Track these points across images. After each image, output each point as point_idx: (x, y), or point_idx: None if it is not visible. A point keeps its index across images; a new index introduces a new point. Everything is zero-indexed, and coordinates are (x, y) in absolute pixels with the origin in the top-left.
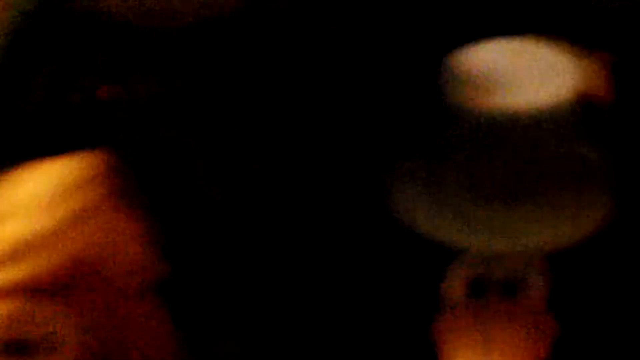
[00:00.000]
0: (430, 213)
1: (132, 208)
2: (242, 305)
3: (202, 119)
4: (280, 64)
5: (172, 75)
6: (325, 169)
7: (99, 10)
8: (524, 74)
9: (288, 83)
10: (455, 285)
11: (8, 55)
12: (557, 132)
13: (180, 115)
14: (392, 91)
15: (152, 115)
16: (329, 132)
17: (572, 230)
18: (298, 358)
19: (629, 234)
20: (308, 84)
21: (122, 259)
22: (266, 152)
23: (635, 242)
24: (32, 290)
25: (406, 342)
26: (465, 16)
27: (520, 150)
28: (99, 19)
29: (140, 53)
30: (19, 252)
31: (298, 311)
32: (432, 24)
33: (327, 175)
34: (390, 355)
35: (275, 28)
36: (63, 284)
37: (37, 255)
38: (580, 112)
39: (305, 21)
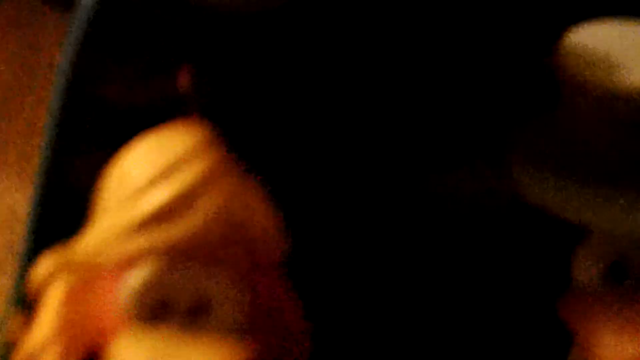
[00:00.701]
0: (557, 189)
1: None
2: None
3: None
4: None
5: (256, 61)
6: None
7: None
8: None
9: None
10: (589, 268)
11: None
12: None
13: (268, 100)
14: (502, 67)
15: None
16: (435, 107)
17: None
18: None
19: None
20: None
21: (261, 223)
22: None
23: None
24: (179, 253)
25: (532, 324)
26: None
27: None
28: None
29: (223, 38)
30: (161, 216)
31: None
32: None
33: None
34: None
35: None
36: (209, 247)
37: (179, 218)
38: None
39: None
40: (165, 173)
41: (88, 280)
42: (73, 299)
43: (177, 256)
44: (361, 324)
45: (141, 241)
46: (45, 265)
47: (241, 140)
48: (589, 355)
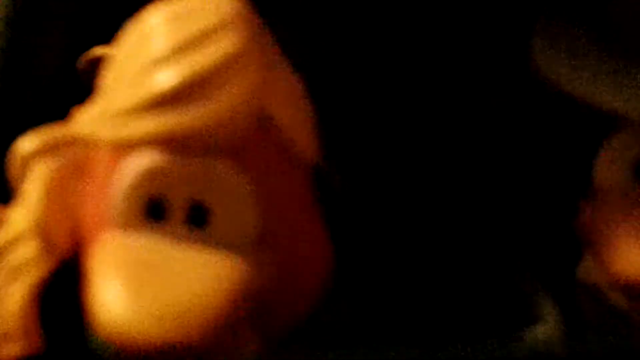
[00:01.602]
0: (585, 72)
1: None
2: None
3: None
4: None
5: None
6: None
7: None
8: None
9: None
10: (615, 164)
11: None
12: None
13: None
14: None
15: None
16: None
17: None
18: None
19: None
20: None
21: (293, 120)
22: None
23: None
24: (186, 143)
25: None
26: None
27: None
28: None
29: None
30: (174, 97)
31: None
32: None
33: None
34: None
35: None
36: (222, 140)
37: (195, 102)
38: None
39: None
40: (187, 46)
41: (78, 164)
42: (59, 185)
43: (183, 146)
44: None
45: (144, 124)
46: (29, 143)
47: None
48: (604, 267)
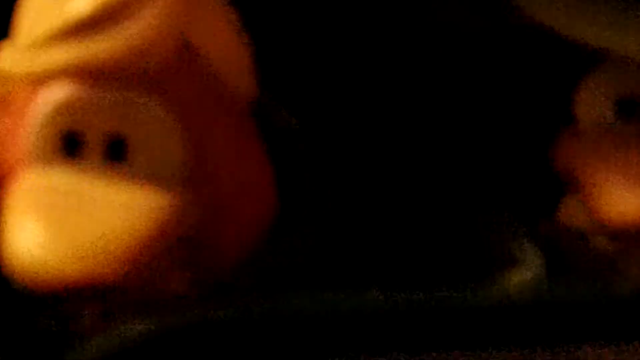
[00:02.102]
0: (564, 7)
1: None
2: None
3: None
4: None
5: None
6: None
7: None
8: None
9: None
10: (598, 99)
11: None
12: None
13: None
14: None
15: None
16: None
17: None
18: None
19: None
20: None
21: (226, 47)
22: None
23: None
24: (101, 73)
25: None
26: None
27: None
28: None
29: None
30: (86, 25)
31: None
32: None
33: None
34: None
35: None
36: (141, 69)
37: (109, 29)
38: None
39: None
40: None
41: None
42: None
43: (98, 77)
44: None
45: (57, 55)
46: None
47: None
48: (586, 205)
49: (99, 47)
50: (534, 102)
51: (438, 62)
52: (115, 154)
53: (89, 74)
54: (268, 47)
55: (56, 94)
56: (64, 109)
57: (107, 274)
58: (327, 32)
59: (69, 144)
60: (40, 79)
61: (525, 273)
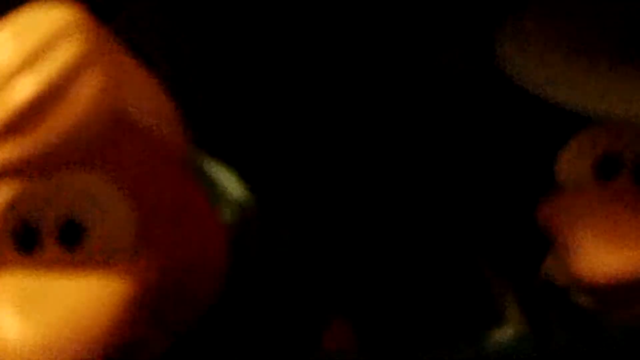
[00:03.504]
0: (553, 71)
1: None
2: None
3: None
4: None
5: None
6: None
7: None
8: None
9: None
10: (578, 161)
11: None
12: None
13: None
14: None
15: None
16: None
17: None
18: None
19: None
20: None
21: (153, 104)
22: None
23: None
24: (42, 163)
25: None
26: None
27: None
28: None
29: None
30: (19, 118)
31: None
32: None
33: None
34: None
35: None
36: (82, 150)
37: (43, 117)
38: None
39: None
40: (26, 61)
41: None
42: None
43: (40, 166)
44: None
45: None
46: None
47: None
48: (567, 263)
49: (36, 138)
50: (522, 162)
51: (431, 117)
52: (71, 237)
53: (31, 165)
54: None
55: (6, 191)
56: (10, 206)
57: (86, 354)
58: (335, 80)
59: (23, 238)
60: None
61: (507, 331)
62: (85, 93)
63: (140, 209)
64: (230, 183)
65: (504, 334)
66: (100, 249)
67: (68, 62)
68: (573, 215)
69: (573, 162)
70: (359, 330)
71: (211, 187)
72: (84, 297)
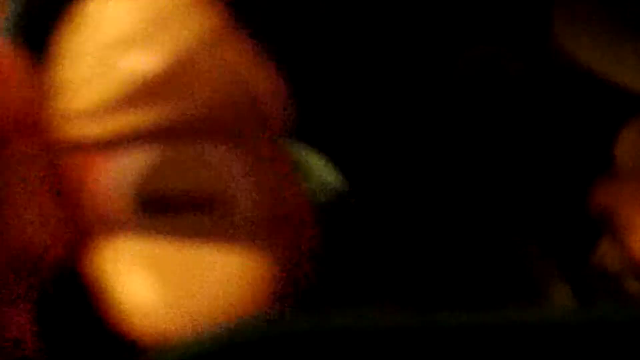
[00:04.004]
0: (609, 53)
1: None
2: None
3: None
4: None
5: None
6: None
7: None
8: None
9: None
10: (636, 145)
11: None
12: None
13: None
14: None
15: None
16: None
17: None
18: None
19: None
20: None
21: (271, 87)
22: None
23: None
24: (179, 133)
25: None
26: None
27: None
28: None
29: None
30: (154, 85)
31: None
32: None
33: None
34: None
35: None
36: (218, 124)
37: (177, 88)
38: None
39: None
40: (156, 27)
41: (51, 173)
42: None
43: (177, 137)
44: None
45: (131, 118)
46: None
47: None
48: (623, 246)
49: (174, 105)
50: (576, 145)
51: (489, 102)
52: (203, 208)
53: (166, 134)
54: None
55: (137, 159)
56: (148, 174)
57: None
58: (367, 87)
59: (156, 205)
60: (110, 145)
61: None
62: (221, 66)
63: (260, 181)
64: (321, 166)
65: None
66: (233, 227)
67: (203, 35)
68: (632, 200)
69: (632, 146)
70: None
71: (303, 169)
72: (224, 270)
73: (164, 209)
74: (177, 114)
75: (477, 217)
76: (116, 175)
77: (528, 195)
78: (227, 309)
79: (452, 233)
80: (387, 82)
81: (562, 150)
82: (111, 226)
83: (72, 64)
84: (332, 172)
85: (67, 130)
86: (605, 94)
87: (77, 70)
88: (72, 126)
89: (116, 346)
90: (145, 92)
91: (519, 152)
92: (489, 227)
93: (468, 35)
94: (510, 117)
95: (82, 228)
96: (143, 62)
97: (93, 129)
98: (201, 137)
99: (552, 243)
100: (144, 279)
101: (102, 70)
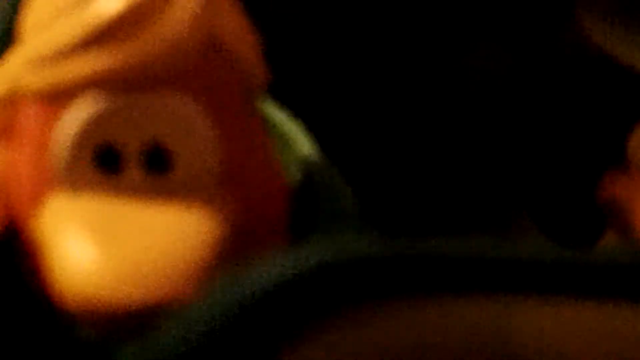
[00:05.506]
0: (629, 36)
1: None
2: None
3: None
4: None
5: None
6: None
7: None
8: None
9: None
10: None
11: None
12: None
13: None
14: None
15: None
16: None
17: None
18: None
19: None
20: None
21: (244, 37)
22: None
23: None
24: (132, 80)
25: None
26: None
27: None
28: None
29: None
30: (112, 29)
31: None
32: None
33: None
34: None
35: None
36: (175, 71)
37: (136, 32)
38: None
39: None
40: None
41: (7, 119)
42: None
43: (129, 83)
44: None
45: (81, 65)
46: None
47: None
48: (630, 241)
49: (127, 52)
50: (590, 134)
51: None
52: (156, 163)
53: (119, 82)
54: None
55: (84, 107)
56: (96, 123)
57: (167, 294)
58: (363, 79)
59: (105, 159)
60: (61, 93)
61: None
62: (180, 13)
63: (224, 138)
64: (298, 136)
65: None
66: (186, 178)
67: None
68: (633, 197)
69: None
70: None
71: (277, 137)
72: (168, 230)
73: (115, 162)
74: (135, 59)
75: (477, 213)
76: (62, 125)
77: (534, 187)
78: (175, 271)
79: (449, 215)
80: (383, 73)
81: (574, 144)
82: (53, 183)
83: (34, 15)
84: (309, 144)
85: (22, 80)
86: (622, 86)
87: (37, 20)
88: (28, 75)
89: (52, 326)
90: (102, 36)
91: (527, 146)
92: (491, 217)
93: (468, 35)
94: (520, 108)
95: (23, 187)
96: (101, 4)
97: (47, 78)
98: (162, 85)
99: (556, 234)
100: (86, 239)
101: (58, 15)
